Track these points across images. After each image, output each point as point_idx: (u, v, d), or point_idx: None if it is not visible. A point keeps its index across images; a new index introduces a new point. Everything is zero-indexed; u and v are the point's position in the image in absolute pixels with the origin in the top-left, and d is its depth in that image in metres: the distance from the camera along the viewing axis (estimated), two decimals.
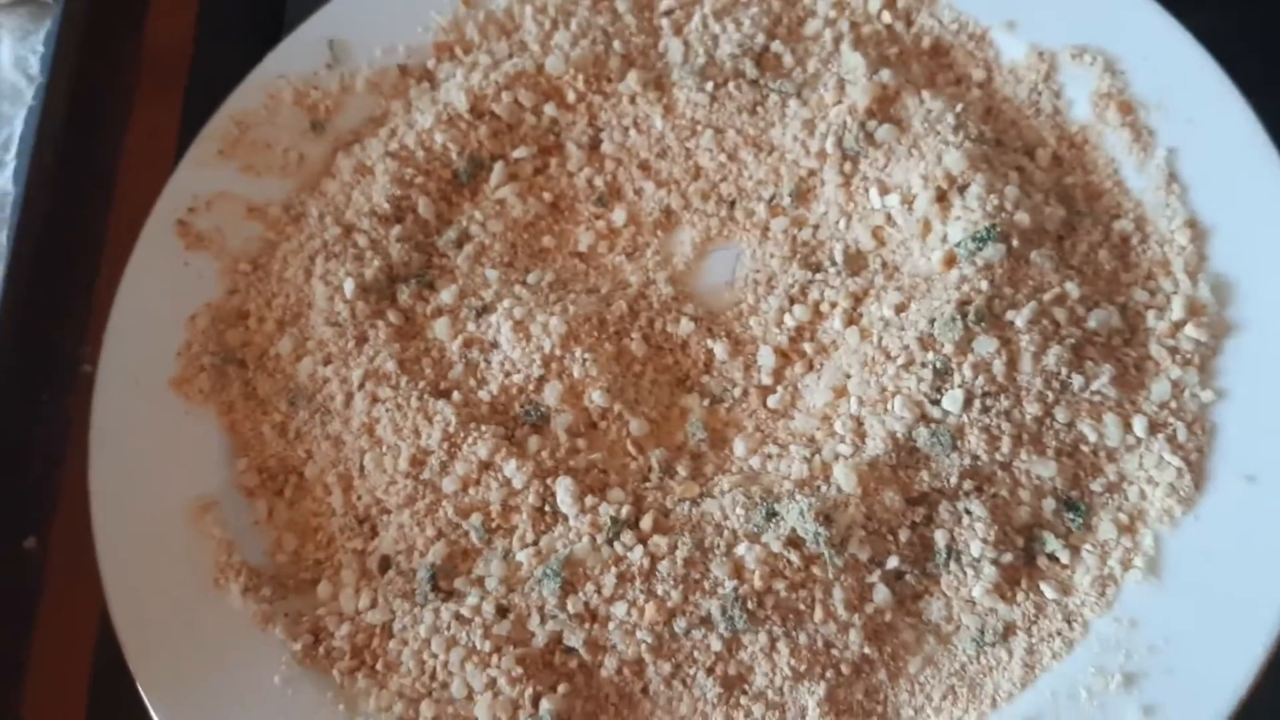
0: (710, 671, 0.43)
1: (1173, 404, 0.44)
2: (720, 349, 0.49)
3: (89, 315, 0.55)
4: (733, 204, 0.52)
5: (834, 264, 0.50)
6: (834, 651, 0.43)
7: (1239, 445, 0.43)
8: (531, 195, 0.53)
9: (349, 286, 0.50)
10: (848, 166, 0.51)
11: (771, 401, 0.48)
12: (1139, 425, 0.44)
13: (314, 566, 0.48)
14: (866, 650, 0.43)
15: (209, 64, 0.62)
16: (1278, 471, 0.42)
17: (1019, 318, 0.45)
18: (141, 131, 0.61)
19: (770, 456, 0.46)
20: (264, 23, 0.64)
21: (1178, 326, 0.45)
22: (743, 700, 0.43)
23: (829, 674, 0.42)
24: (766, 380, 0.48)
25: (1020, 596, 0.43)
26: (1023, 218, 0.47)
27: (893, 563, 0.43)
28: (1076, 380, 0.44)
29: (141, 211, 0.54)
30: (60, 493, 0.52)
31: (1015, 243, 0.46)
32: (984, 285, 0.45)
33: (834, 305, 0.48)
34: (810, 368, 0.48)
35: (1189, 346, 0.45)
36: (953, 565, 0.43)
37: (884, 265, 0.49)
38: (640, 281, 0.51)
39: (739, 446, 0.47)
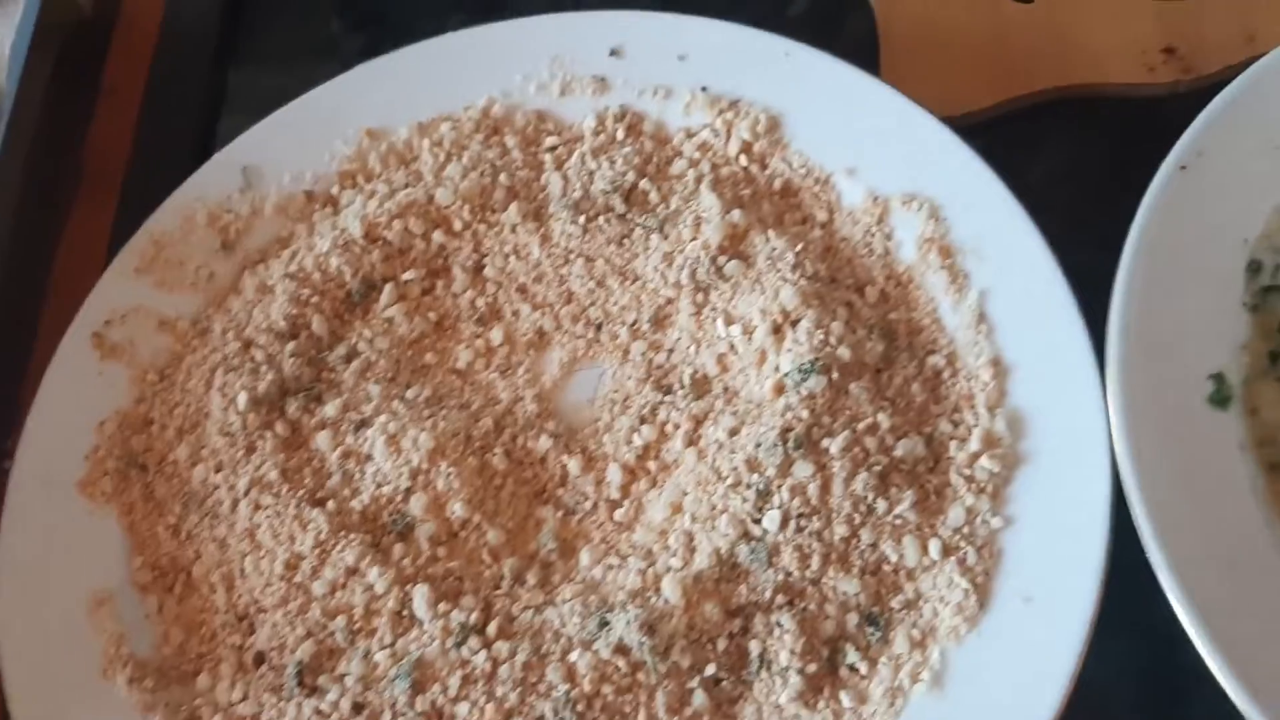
0: None
1: (965, 529, 0.48)
2: (574, 465, 0.53)
3: (16, 416, 0.60)
4: (599, 327, 0.57)
5: (682, 387, 0.54)
6: None
7: (1020, 569, 0.47)
8: (418, 314, 0.58)
9: (242, 399, 0.55)
10: (700, 297, 0.56)
11: (618, 515, 0.52)
12: (934, 548, 0.48)
13: (197, 659, 0.52)
14: None
15: (142, 183, 0.68)
16: (1051, 594, 0.46)
17: (834, 445, 0.49)
18: (75, 244, 0.67)
19: (611, 567, 0.51)
20: (196, 145, 0.69)
21: (975, 457, 0.50)
22: None
23: None
24: (615, 495, 0.53)
25: (821, 704, 0.47)
26: (844, 352, 0.51)
27: (711, 670, 0.47)
28: (881, 505, 0.49)
29: (70, 319, 0.59)
30: None
31: (836, 375, 0.51)
32: (805, 414, 0.50)
33: (677, 426, 0.53)
34: (654, 484, 0.53)
35: (983, 476, 0.49)
36: (764, 673, 0.48)
37: (725, 390, 0.54)
38: (510, 398, 0.56)
39: (584, 557, 0.51)
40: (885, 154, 0.57)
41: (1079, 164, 0.61)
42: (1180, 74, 0.61)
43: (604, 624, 0.48)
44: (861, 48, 0.65)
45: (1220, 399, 0.47)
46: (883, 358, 0.53)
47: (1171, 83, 0.61)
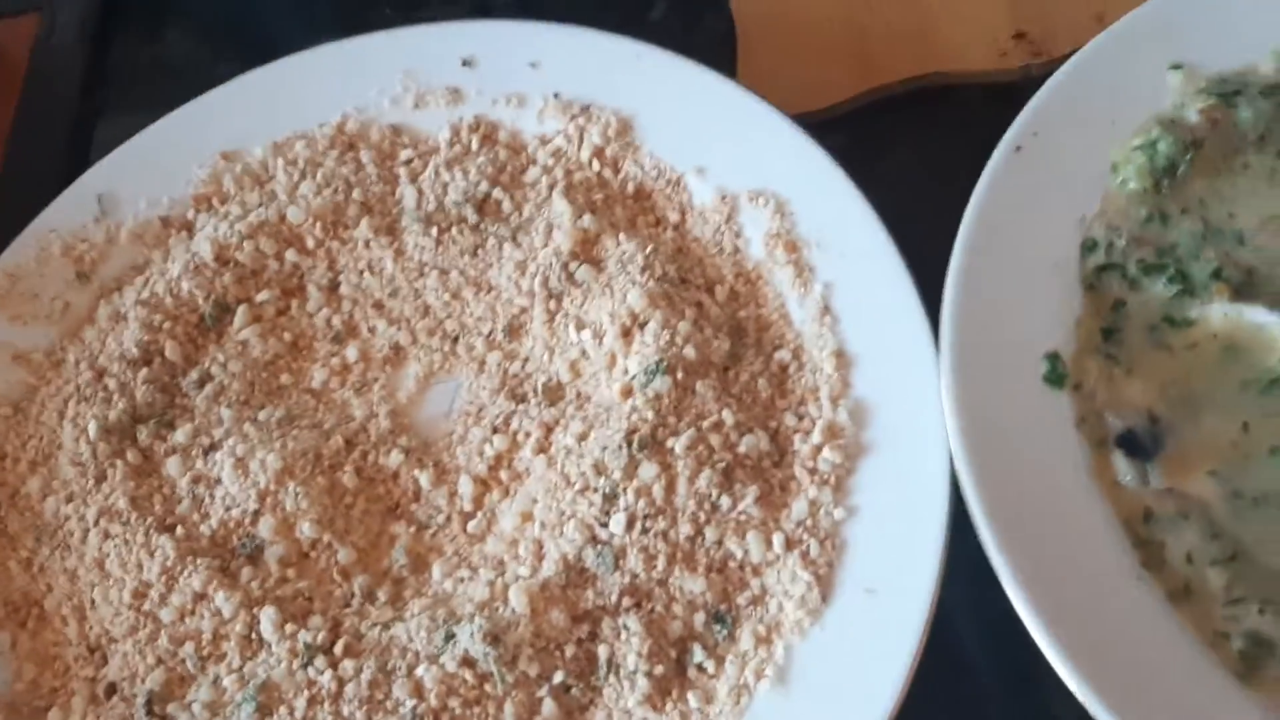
0: None
1: (809, 522, 0.48)
2: (425, 478, 0.53)
3: None
4: (456, 339, 0.57)
5: (536, 395, 0.54)
6: None
7: (863, 560, 0.47)
8: (273, 335, 0.58)
9: (93, 428, 0.54)
10: (552, 304, 0.55)
11: (471, 527, 0.52)
12: (777, 542, 0.48)
13: (50, 694, 0.51)
14: None
15: (9, 219, 0.67)
16: (892, 584, 0.46)
17: (678, 444, 0.49)
18: None
19: (462, 580, 0.50)
20: (63, 178, 0.68)
21: (818, 449, 0.49)
22: None
23: None
24: (468, 507, 0.52)
25: (669, 706, 0.46)
26: (690, 352, 0.51)
27: (559, 677, 0.47)
28: (725, 501, 0.48)
29: None
30: None
31: (681, 375, 0.51)
32: (650, 415, 0.50)
33: (529, 435, 0.53)
34: (506, 494, 0.52)
35: (826, 468, 0.49)
36: (612, 678, 0.47)
37: (578, 396, 0.54)
38: (364, 415, 0.55)
39: (436, 571, 0.51)
40: (734, 152, 0.57)
41: (935, 152, 0.61)
42: (1031, 57, 0.61)
43: (450, 637, 0.47)
44: (721, 47, 0.65)
45: (1055, 378, 0.47)
46: (730, 355, 0.52)
47: (1023, 67, 0.61)
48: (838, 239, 0.53)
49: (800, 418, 0.51)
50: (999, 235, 0.49)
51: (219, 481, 0.53)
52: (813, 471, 0.49)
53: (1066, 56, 0.59)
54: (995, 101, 0.62)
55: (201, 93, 0.64)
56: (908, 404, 0.49)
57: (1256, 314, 0.47)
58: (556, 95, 0.60)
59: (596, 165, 0.59)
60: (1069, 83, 0.52)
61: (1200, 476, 0.45)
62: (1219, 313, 0.48)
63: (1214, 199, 0.52)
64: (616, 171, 0.59)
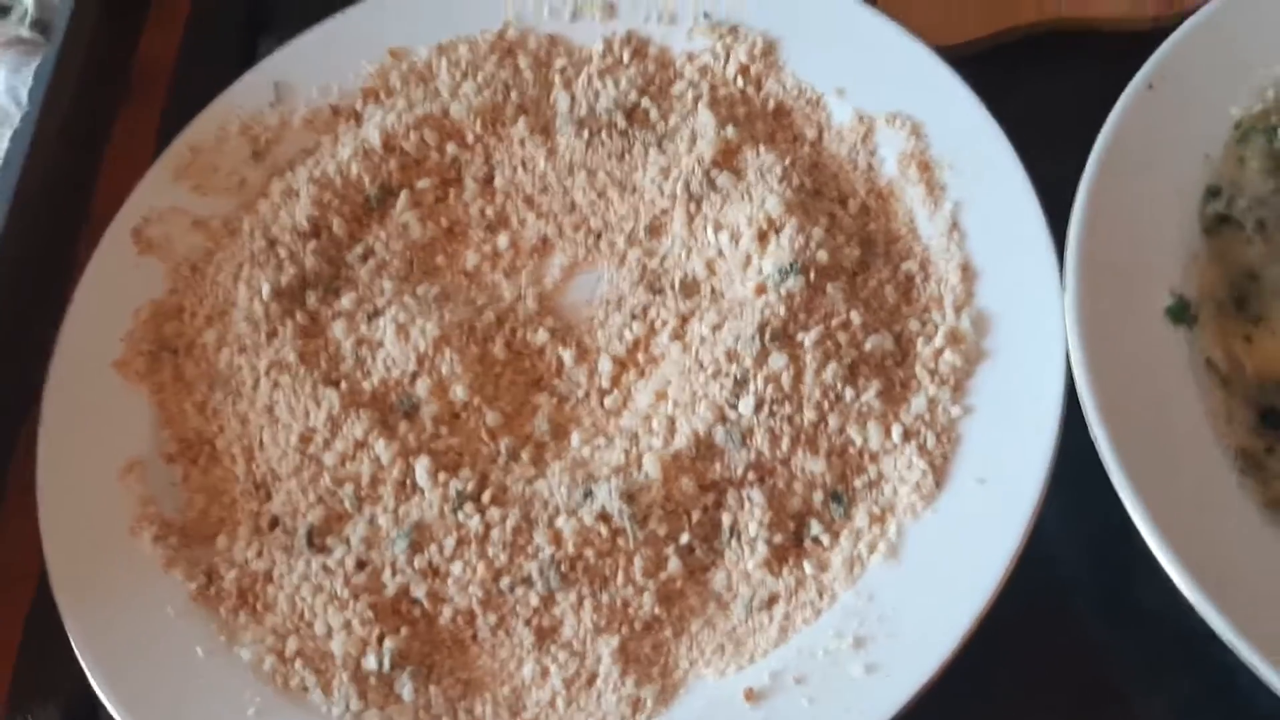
0: (528, 623, 0.51)
1: (926, 416, 0.52)
2: (568, 356, 0.57)
3: (61, 303, 0.64)
4: (599, 235, 0.61)
5: (673, 289, 0.58)
6: (630, 610, 0.51)
7: (976, 453, 0.50)
8: (431, 220, 0.62)
9: (266, 289, 0.59)
10: (693, 207, 0.59)
11: (607, 402, 0.56)
12: (896, 433, 0.51)
13: (217, 523, 0.56)
14: (657, 611, 0.51)
15: (186, 92, 0.72)
16: (1002, 475, 0.49)
17: (808, 338, 0.53)
18: (121, 146, 0.71)
19: (599, 448, 0.55)
20: (238, 57, 0.73)
21: (939, 352, 0.53)
22: (552, 648, 0.51)
23: (624, 629, 0.50)
24: (605, 384, 0.57)
25: (786, 572, 0.51)
26: (823, 256, 0.55)
27: (685, 538, 0.51)
28: (849, 393, 0.52)
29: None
30: (19, 451, 0.62)
31: (814, 276, 0.54)
32: (782, 310, 0.54)
33: (665, 323, 0.57)
34: (642, 375, 0.57)
35: (946, 369, 0.52)
36: (734, 543, 0.51)
37: (713, 291, 0.58)
38: (512, 297, 0.60)
39: (575, 438, 0.55)
40: (873, 76, 0.60)
41: (1063, 94, 0.64)
42: (1164, 8, 0.64)
43: (588, 494, 0.52)
44: None
45: (1175, 312, 0.50)
46: (859, 263, 0.56)
47: (1155, 18, 0.64)
48: (970, 162, 0.57)
49: (924, 323, 0.54)
50: (1127, 163, 0.52)
51: (381, 344, 0.58)
52: (933, 372, 0.53)
53: (1199, 6, 0.62)
54: (1126, 50, 0.64)
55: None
56: (1028, 316, 0.52)
57: None
58: (706, 15, 0.64)
59: (740, 82, 0.62)
60: (1205, 27, 0.55)
61: None
62: None
63: None
64: (759, 89, 0.62)
